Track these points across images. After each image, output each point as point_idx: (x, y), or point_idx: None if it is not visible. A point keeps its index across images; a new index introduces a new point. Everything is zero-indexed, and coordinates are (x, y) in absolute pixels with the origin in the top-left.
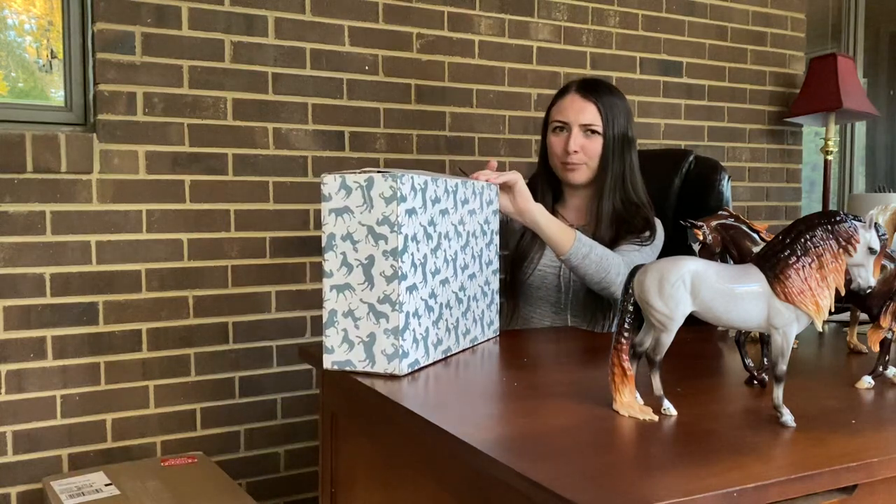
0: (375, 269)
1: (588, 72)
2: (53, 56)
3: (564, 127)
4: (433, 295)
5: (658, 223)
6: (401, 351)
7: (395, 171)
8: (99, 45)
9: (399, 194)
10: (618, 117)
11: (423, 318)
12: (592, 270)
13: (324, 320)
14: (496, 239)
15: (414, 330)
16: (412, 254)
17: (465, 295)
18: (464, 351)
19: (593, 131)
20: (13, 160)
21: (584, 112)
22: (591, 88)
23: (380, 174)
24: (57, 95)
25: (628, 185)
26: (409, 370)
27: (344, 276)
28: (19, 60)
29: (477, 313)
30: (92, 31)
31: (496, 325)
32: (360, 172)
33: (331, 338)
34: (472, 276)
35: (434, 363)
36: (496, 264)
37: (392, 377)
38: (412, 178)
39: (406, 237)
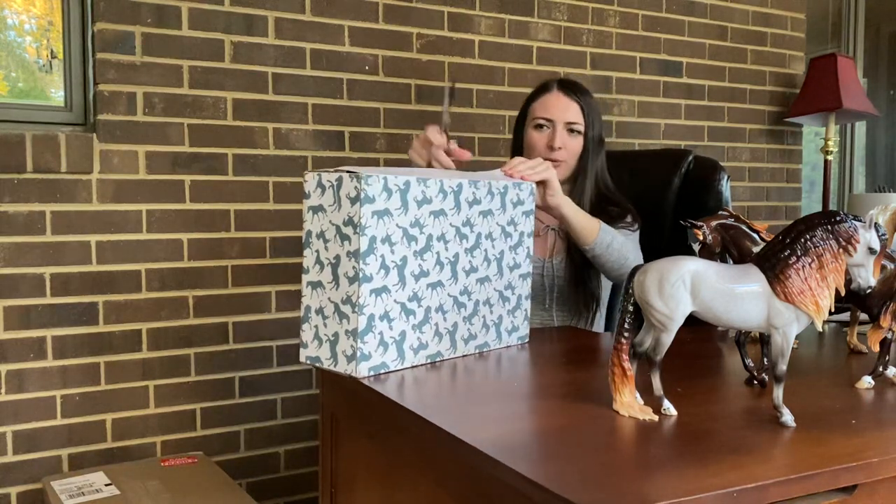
0: (340, 269)
1: (588, 72)
2: (53, 56)
3: (548, 124)
4: (415, 298)
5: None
6: (359, 353)
7: (366, 171)
8: (99, 45)
9: (363, 195)
10: (596, 119)
11: (398, 321)
12: (614, 258)
13: (301, 315)
14: (528, 241)
15: (381, 333)
16: (382, 256)
17: (469, 299)
18: (465, 357)
19: (576, 131)
20: (13, 160)
21: (569, 111)
22: (575, 88)
23: (348, 174)
24: (57, 95)
25: (600, 184)
26: (372, 373)
27: (317, 273)
28: (19, 60)
29: (490, 319)
30: (92, 31)
31: (523, 332)
32: (334, 171)
33: (305, 332)
34: (483, 280)
35: (415, 367)
36: (526, 268)
37: (389, 378)
38: (385, 178)
39: (372, 239)
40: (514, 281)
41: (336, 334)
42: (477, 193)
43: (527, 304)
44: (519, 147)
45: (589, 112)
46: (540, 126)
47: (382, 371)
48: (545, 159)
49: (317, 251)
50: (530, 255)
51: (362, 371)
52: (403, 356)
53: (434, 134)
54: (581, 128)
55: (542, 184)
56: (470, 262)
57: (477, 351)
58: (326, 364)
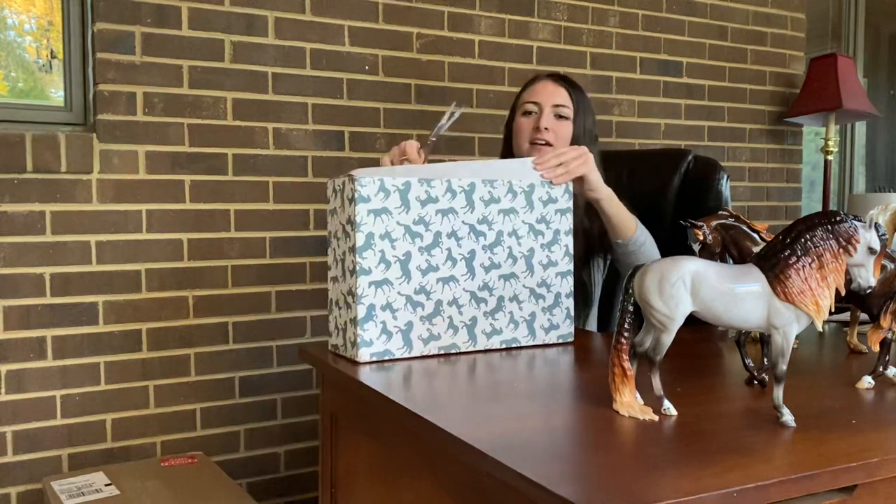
0: (346, 263)
1: (588, 72)
2: (53, 56)
3: (535, 108)
4: (423, 291)
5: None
6: (360, 340)
7: (364, 173)
8: (99, 45)
9: (357, 196)
10: (587, 113)
11: (403, 311)
12: (643, 259)
13: (328, 307)
14: (566, 239)
15: (384, 322)
16: (382, 251)
17: (491, 294)
18: (487, 351)
19: (564, 116)
20: (13, 160)
21: (556, 94)
22: (565, 79)
23: (348, 177)
24: (57, 95)
25: None
26: (373, 359)
27: (334, 269)
28: (19, 60)
29: (520, 315)
30: (92, 31)
31: (565, 330)
32: (344, 176)
33: (330, 323)
34: (507, 277)
35: (425, 357)
36: (564, 266)
37: (390, 377)
38: (382, 180)
39: (370, 235)
40: (551, 279)
41: (346, 323)
42: (494, 192)
43: (568, 303)
44: (508, 141)
45: (578, 100)
46: (527, 112)
47: (387, 357)
48: (531, 143)
49: (333, 250)
50: (570, 253)
51: (363, 356)
52: (411, 345)
53: (413, 152)
54: (569, 112)
55: (579, 178)
56: (490, 258)
57: (504, 346)
58: (342, 351)
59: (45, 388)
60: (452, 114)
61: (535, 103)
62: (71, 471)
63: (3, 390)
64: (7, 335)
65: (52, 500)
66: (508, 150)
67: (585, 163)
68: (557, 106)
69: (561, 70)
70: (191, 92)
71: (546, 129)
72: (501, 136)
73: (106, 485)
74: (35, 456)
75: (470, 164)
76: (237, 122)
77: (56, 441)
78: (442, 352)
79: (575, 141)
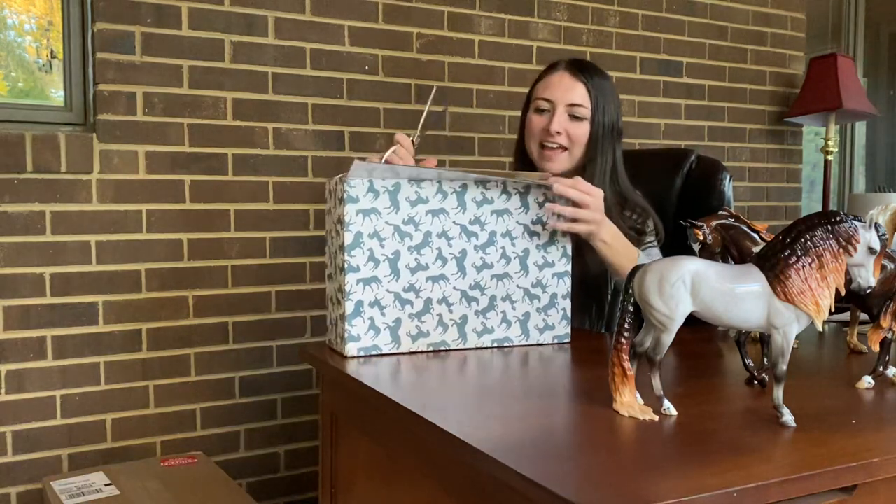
0: (337, 261)
1: None
2: (53, 56)
3: (548, 106)
4: (413, 289)
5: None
6: (347, 335)
7: (358, 174)
8: (99, 45)
9: (346, 196)
10: (608, 104)
11: (392, 308)
12: None
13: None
14: (563, 240)
15: (372, 318)
16: (370, 249)
17: (483, 294)
18: (486, 350)
19: (579, 117)
20: (13, 160)
21: (572, 91)
22: (583, 68)
23: (340, 178)
24: (57, 95)
25: (615, 182)
26: (361, 354)
27: (329, 266)
28: (19, 60)
29: (513, 315)
30: (92, 31)
31: (561, 331)
32: (339, 176)
33: (327, 318)
34: (500, 277)
35: (414, 353)
36: (561, 267)
37: (389, 377)
38: (371, 181)
39: (358, 234)
40: (546, 279)
41: (336, 318)
42: (487, 193)
43: (565, 303)
44: (522, 136)
45: (598, 95)
46: (540, 109)
47: (374, 353)
48: (541, 145)
49: (328, 247)
50: (567, 254)
51: (350, 351)
52: (399, 341)
53: (406, 142)
54: (586, 112)
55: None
56: (482, 258)
57: (495, 345)
58: (334, 345)
59: (45, 388)
60: (436, 101)
61: (548, 101)
62: (71, 471)
63: (3, 390)
64: (7, 335)
65: (52, 500)
66: (521, 145)
67: (591, 230)
68: (573, 105)
69: None
70: (191, 92)
71: (558, 132)
72: (501, 136)
73: (106, 485)
74: (35, 456)
75: (493, 177)
76: (237, 122)
77: (56, 441)
78: (431, 349)
79: (591, 141)
